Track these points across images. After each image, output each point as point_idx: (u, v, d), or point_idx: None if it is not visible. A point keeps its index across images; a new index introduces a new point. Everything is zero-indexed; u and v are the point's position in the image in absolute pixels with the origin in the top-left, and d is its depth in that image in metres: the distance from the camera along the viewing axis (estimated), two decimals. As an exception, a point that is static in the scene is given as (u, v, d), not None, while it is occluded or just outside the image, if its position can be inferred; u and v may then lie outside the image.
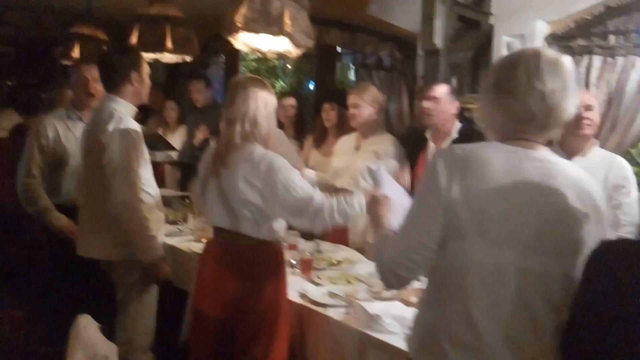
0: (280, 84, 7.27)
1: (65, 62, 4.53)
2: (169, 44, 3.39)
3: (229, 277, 1.91)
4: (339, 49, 4.66)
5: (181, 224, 3.34)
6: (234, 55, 5.55)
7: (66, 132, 2.70)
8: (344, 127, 3.30)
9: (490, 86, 1.22)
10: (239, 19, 2.54)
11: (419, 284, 2.18)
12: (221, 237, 1.97)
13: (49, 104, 3.91)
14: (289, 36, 2.56)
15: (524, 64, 1.16)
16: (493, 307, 1.16)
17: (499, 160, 1.16)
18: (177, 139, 4.52)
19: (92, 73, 2.68)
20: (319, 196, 1.87)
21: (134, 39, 3.45)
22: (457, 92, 2.73)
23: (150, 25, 3.44)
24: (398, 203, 1.48)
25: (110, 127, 2.11)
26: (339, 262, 2.61)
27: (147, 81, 2.31)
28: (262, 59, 7.54)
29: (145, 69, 2.29)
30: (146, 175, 2.20)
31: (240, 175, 1.85)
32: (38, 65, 5.82)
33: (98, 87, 2.68)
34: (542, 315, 1.16)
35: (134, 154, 2.12)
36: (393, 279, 1.24)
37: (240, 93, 1.93)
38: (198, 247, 2.83)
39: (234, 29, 2.58)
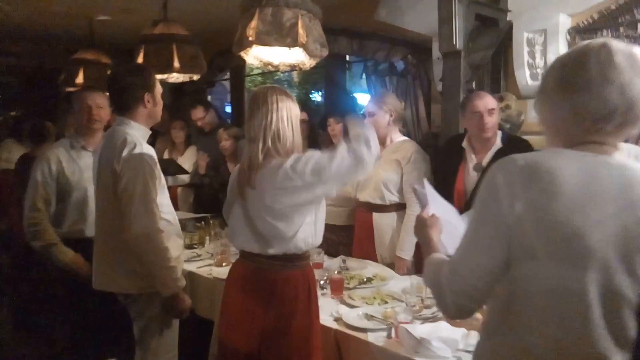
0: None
1: (69, 89, 4.47)
2: (176, 63, 3.30)
3: (258, 304, 1.78)
4: (347, 58, 4.56)
5: (199, 248, 3.22)
6: (239, 70, 5.49)
7: (69, 162, 2.58)
8: None
9: (553, 85, 1.09)
10: (250, 32, 2.44)
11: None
12: (248, 260, 1.85)
13: (55, 133, 3.84)
14: (303, 47, 2.46)
15: (593, 56, 1.03)
16: (567, 338, 1.02)
17: (569, 169, 1.02)
18: (185, 160, 4.40)
19: (96, 99, 2.59)
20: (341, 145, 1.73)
21: (139, 60, 3.37)
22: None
23: (156, 46, 3.36)
24: (448, 222, 1.35)
25: (124, 152, 1.99)
26: (369, 280, 2.47)
27: (160, 102, 2.20)
28: (267, 72, 7.49)
29: (158, 89, 2.18)
30: (164, 202, 2.08)
31: (268, 192, 1.74)
32: (41, 95, 5.77)
33: (102, 114, 2.60)
34: (628, 350, 1.02)
35: (151, 181, 2.00)
36: (455, 310, 1.10)
37: (261, 106, 1.80)
38: (220, 273, 2.70)
39: (246, 44, 2.47)
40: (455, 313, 1.12)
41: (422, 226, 1.37)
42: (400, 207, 2.78)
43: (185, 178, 4.28)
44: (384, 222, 2.79)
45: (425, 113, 3.66)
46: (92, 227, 2.51)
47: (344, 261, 2.77)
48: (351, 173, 1.74)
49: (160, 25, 3.42)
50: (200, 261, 2.95)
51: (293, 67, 2.83)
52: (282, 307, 1.78)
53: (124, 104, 2.11)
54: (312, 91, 6.60)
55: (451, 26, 2.74)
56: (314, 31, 2.55)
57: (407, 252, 2.70)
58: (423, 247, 1.34)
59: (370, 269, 2.67)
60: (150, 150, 2.07)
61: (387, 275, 2.56)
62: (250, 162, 1.79)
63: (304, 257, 1.87)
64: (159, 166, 2.08)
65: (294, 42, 2.44)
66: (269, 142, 1.77)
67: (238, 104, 5.54)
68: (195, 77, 3.62)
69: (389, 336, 1.86)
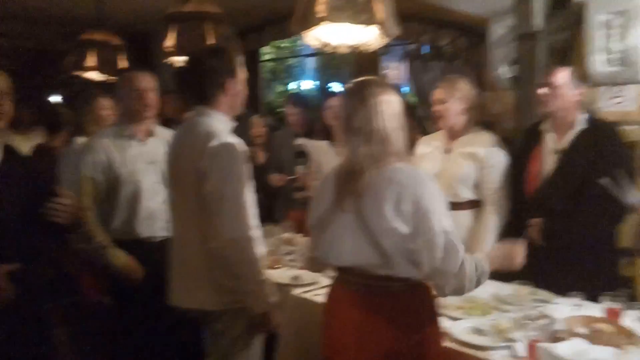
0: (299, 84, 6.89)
1: (78, 73, 4.09)
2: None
3: (382, 330, 1.53)
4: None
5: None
6: (254, 55, 5.16)
7: (119, 153, 2.27)
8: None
9: None
10: (320, 8, 2.15)
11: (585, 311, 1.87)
12: (355, 280, 1.58)
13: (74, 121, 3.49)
14: (381, 25, 2.18)
15: None
16: None
17: None
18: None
19: (146, 81, 2.31)
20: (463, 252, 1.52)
21: (170, 41, 3.04)
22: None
23: (187, 25, 3.03)
24: None
25: (211, 148, 1.71)
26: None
27: (244, 89, 1.91)
28: (279, 58, 7.18)
29: (241, 74, 1.90)
30: (251, 205, 1.81)
31: (386, 202, 1.48)
32: (40, 79, 5.34)
33: (154, 98, 2.32)
34: None
35: (242, 181, 1.73)
36: None
37: (358, 106, 1.54)
38: (282, 277, 2.43)
39: (313, 21, 2.18)
40: None
41: None
42: (475, 205, 2.55)
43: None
44: (457, 222, 2.52)
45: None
46: (144, 227, 2.28)
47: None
48: (440, 262, 1.49)
49: (191, 2, 3.09)
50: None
51: (354, 49, 2.55)
52: (410, 329, 1.54)
53: (205, 92, 1.82)
54: (333, 81, 6.26)
55: (529, 5, 2.49)
56: (388, 7, 2.28)
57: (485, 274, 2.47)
58: None
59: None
60: (239, 145, 1.78)
61: (469, 279, 2.33)
62: (354, 169, 1.53)
63: None
64: (247, 163, 1.80)
65: (370, 20, 2.15)
66: (373, 147, 1.52)
67: (253, 91, 5.21)
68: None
69: (514, 355, 1.64)
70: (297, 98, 3.97)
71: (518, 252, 1.73)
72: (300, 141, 3.62)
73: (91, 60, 3.99)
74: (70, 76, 5.05)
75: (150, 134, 2.38)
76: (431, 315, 1.59)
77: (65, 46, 5.32)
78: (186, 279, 1.84)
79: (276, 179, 3.51)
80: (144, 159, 2.30)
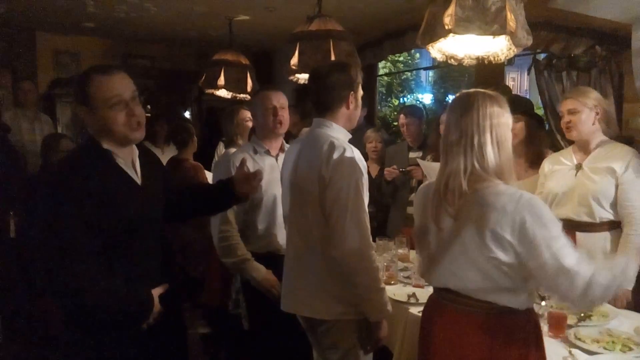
0: (412, 97, 6.83)
1: (211, 91, 4.41)
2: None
3: (476, 349, 1.46)
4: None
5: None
6: (370, 70, 5.20)
7: (257, 168, 2.34)
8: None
9: None
10: (447, 20, 2.11)
11: None
12: (449, 301, 1.52)
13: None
14: (512, 35, 2.09)
15: None
16: None
17: None
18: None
19: (280, 99, 2.39)
20: (586, 267, 1.35)
21: (295, 59, 3.18)
22: None
23: (311, 43, 3.14)
24: None
25: (334, 157, 1.76)
26: (588, 316, 2.05)
27: (361, 103, 1.96)
28: (394, 72, 7.20)
29: (361, 89, 1.95)
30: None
31: (486, 228, 1.39)
32: (174, 97, 5.86)
33: (286, 116, 2.40)
34: None
35: (363, 191, 1.77)
36: None
37: (459, 118, 1.48)
38: (397, 294, 2.39)
39: (440, 33, 2.15)
40: None
41: None
42: (613, 226, 2.33)
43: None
44: (592, 244, 2.34)
45: (617, 113, 3.13)
46: (281, 238, 2.31)
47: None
48: (558, 286, 1.37)
49: (316, 21, 3.20)
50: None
51: (481, 60, 2.46)
52: (509, 351, 1.45)
53: (327, 104, 1.89)
54: (450, 93, 6.14)
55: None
56: (520, 17, 2.18)
57: (629, 280, 2.23)
58: None
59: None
60: (360, 157, 1.82)
61: (606, 310, 2.12)
62: (452, 186, 1.46)
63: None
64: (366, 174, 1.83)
65: (501, 30, 2.07)
66: (476, 163, 1.44)
67: (370, 105, 5.25)
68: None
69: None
70: (411, 109, 3.92)
71: None
72: (414, 155, 3.58)
73: (222, 78, 4.28)
74: (199, 94, 5.49)
75: (282, 149, 2.46)
76: (535, 346, 1.48)
77: (195, 66, 5.84)
78: (300, 286, 1.89)
79: (389, 171, 3.50)
80: (278, 174, 2.35)
